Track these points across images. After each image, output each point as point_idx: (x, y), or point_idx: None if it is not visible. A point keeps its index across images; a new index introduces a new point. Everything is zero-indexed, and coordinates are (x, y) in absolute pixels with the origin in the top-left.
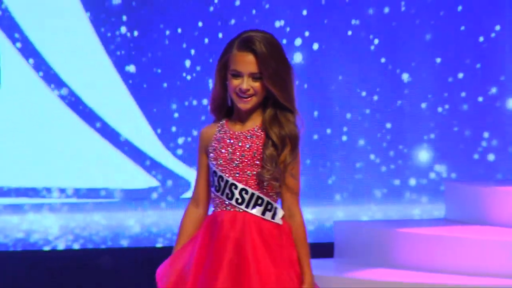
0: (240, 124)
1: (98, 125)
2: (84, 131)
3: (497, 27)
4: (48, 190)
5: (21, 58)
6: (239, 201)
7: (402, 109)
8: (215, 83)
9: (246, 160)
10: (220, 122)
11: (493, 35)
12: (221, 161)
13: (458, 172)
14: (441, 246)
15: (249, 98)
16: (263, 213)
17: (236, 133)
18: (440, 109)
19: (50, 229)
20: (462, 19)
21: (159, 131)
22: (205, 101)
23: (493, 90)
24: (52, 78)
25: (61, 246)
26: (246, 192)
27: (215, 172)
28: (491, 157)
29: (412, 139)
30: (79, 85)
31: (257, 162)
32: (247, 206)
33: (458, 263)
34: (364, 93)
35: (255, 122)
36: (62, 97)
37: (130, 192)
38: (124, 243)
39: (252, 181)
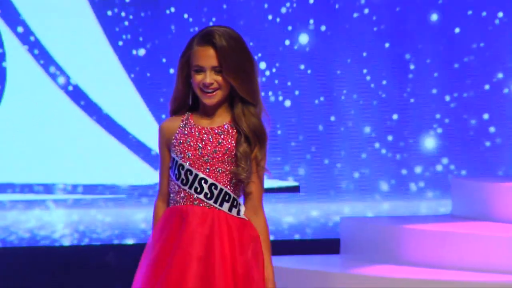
0: (208, 119)
1: (97, 117)
2: (90, 126)
3: (500, 14)
4: (54, 186)
5: (24, 48)
6: (208, 196)
7: (408, 97)
8: (177, 82)
9: (217, 157)
10: (184, 116)
11: (497, 21)
12: (190, 155)
13: (464, 162)
14: (447, 243)
15: (214, 93)
16: (230, 209)
17: (206, 128)
18: (448, 98)
19: (56, 225)
20: (469, 4)
21: (163, 116)
22: None
23: (500, 75)
24: (56, 71)
25: (66, 242)
26: (216, 187)
27: (181, 165)
28: (498, 145)
29: (418, 128)
30: (83, 78)
31: (228, 159)
32: (215, 202)
33: (465, 259)
34: (368, 77)
35: (224, 119)
36: (67, 91)
37: (137, 188)
38: (130, 240)
39: (221, 177)
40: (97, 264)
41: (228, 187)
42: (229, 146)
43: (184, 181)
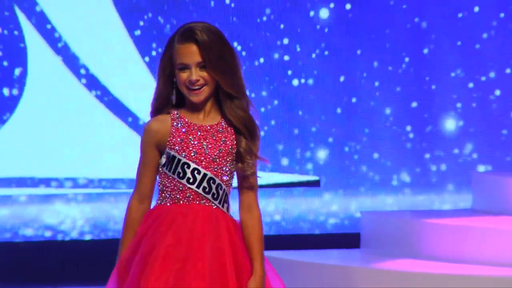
0: (200, 117)
1: (118, 111)
2: (111, 120)
3: None
4: (75, 180)
5: (44, 41)
6: (215, 196)
7: (430, 82)
8: (159, 82)
9: (222, 156)
10: (173, 114)
11: None
12: (196, 154)
13: (488, 149)
14: (468, 237)
15: (201, 89)
16: (227, 210)
17: (204, 126)
18: (471, 85)
19: (77, 220)
20: None
21: None
22: None
23: None
24: (80, 68)
25: (88, 237)
26: (221, 188)
27: (186, 163)
28: None
29: (438, 113)
30: (104, 71)
31: (230, 158)
32: (219, 202)
33: (485, 254)
34: (389, 54)
35: (216, 116)
36: (88, 87)
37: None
38: None
39: (223, 177)
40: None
41: (227, 187)
42: (231, 144)
43: (191, 180)
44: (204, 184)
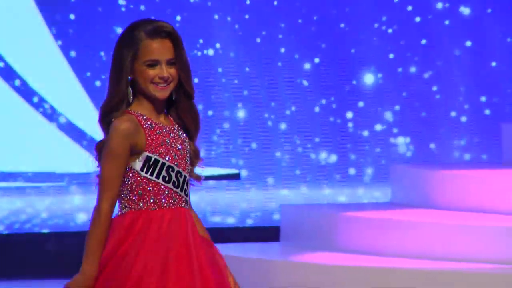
0: (162, 117)
1: (36, 103)
2: (29, 113)
3: None
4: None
5: None
6: (189, 197)
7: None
8: (120, 81)
9: (189, 156)
10: (137, 115)
11: None
12: (175, 156)
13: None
14: (386, 230)
15: (168, 86)
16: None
17: (169, 127)
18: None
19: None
20: None
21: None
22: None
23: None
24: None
25: (5, 230)
26: (189, 188)
27: (170, 167)
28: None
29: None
30: (22, 65)
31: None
32: (189, 203)
33: (404, 247)
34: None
35: (167, 117)
36: (12, 85)
37: (77, 176)
38: (70, 228)
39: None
40: (36, 252)
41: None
42: (188, 143)
43: (176, 184)
44: (185, 186)
